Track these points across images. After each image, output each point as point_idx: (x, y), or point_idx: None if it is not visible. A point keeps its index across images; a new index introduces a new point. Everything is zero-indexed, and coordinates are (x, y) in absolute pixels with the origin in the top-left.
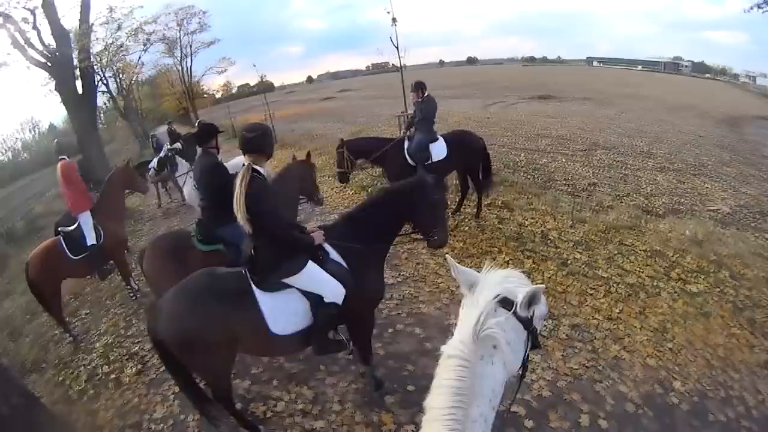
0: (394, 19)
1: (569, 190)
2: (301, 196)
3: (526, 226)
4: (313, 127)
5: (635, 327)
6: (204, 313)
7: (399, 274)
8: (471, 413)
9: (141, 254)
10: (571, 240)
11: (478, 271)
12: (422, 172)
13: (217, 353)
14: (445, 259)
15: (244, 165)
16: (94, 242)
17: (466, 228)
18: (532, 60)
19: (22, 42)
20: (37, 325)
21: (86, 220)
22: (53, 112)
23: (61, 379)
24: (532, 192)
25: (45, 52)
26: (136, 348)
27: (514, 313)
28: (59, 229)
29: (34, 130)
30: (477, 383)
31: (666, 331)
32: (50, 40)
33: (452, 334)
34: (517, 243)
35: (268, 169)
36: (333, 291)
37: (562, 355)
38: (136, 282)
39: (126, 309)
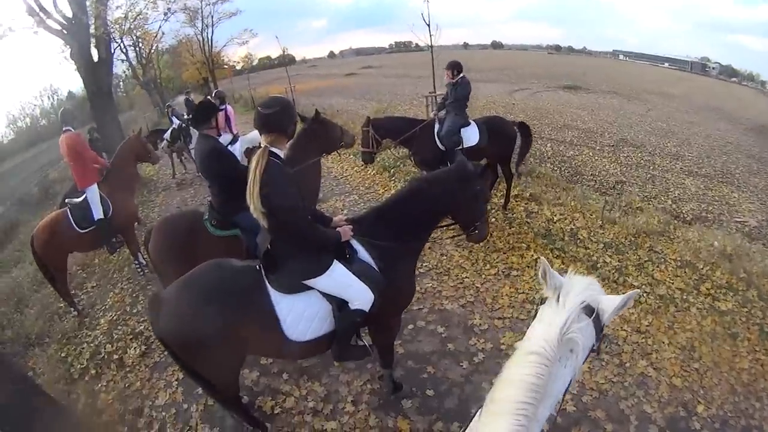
0: None
1: (597, 186)
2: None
3: (555, 222)
4: (335, 102)
5: (663, 343)
6: (210, 314)
7: (422, 265)
8: (538, 412)
9: (147, 235)
10: (601, 241)
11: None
12: (462, 158)
13: (223, 358)
14: (479, 254)
15: (259, 146)
16: (101, 216)
17: (493, 220)
18: (557, 49)
19: (37, 9)
20: (44, 296)
21: (93, 193)
22: (73, 80)
23: (63, 355)
24: (560, 186)
25: (61, 19)
26: (141, 327)
27: (594, 320)
28: (66, 200)
29: (53, 98)
30: (550, 383)
31: (693, 349)
32: (66, 8)
33: (475, 334)
34: (546, 240)
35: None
36: (360, 297)
37: (589, 367)
38: (145, 257)
39: (133, 284)
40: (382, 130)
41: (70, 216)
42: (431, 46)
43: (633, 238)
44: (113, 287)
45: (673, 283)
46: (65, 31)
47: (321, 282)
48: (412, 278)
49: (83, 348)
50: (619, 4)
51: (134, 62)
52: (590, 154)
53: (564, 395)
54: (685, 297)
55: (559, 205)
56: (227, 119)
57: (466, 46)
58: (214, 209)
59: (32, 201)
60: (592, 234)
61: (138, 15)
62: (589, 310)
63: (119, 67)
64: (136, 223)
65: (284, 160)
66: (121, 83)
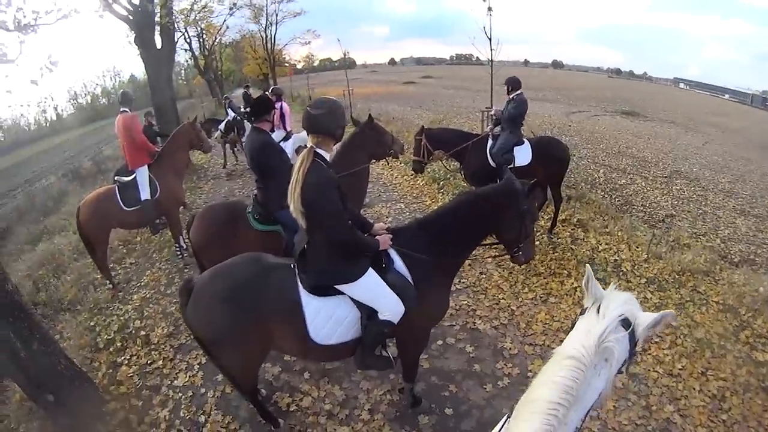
0: (489, 8)
1: (646, 218)
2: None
3: (600, 251)
4: (391, 109)
5: (694, 389)
6: (239, 307)
7: (459, 281)
8: (569, 415)
9: (190, 221)
10: (644, 276)
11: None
12: (511, 176)
13: (243, 351)
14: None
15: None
16: (148, 197)
17: (537, 243)
18: (618, 72)
19: None
20: (82, 266)
21: (142, 175)
22: (136, 64)
23: (92, 324)
24: (609, 214)
25: (127, 5)
26: (172, 308)
27: (630, 334)
28: (115, 178)
29: (115, 79)
30: (583, 389)
31: (724, 399)
32: None
33: (504, 358)
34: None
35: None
36: (390, 308)
37: (614, 406)
38: (186, 241)
39: (171, 266)
40: (434, 140)
41: (117, 193)
42: (491, 61)
43: (677, 276)
44: (151, 266)
45: (712, 327)
46: (131, 17)
47: (353, 288)
48: (446, 294)
49: (112, 320)
50: (685, 31)
51: (197, 53)
52: (642, 183)
53: (593, 406)
54: (722, 343)
55: (606, 234)
56: (282, 116)
57: (526, 63)
58: (258, 203)
59: (84, 174)
60: (635, 267)
61: (203, 7)
62: (627, 324)
63: (182, 56)
64: (181, 208)
65: (329, 163)
66: (182, 71)
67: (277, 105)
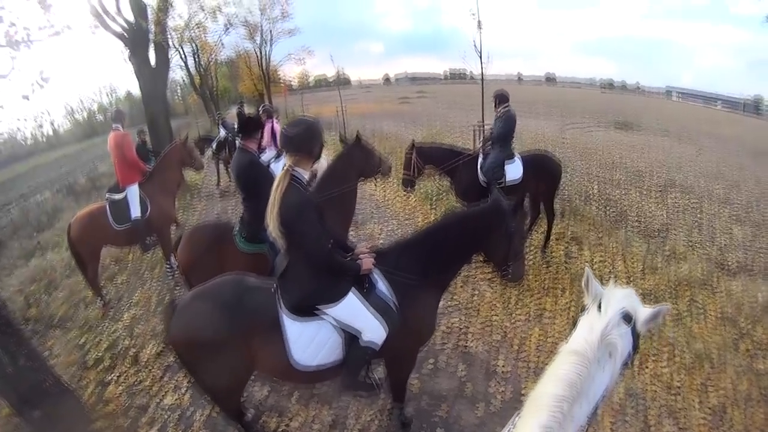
0: (479, 23)
1: (642, 229)
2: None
3: (594, 266)
4: (385, 127)
5: (694, 403)
6: (220, 329)
7: (451, 299)
8: (573, 410)
9: (177, 240)
10: (640, 289)
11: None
12: (498, 195)
13: (228, 374)
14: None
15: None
16: (138, 215)
17: (531, 260)
18: (610, 86)
19: (100, 10)
20: (74, 283)
21: (133, 193)
22: (133, 81)
23: (82, 341)
24: (604, 228)
25: (122, 22)
26: (162, 327)
27: (633, 328)
28: (107, 195)
29: (111, 95)
30: (587, 383)
31: (725, 412)
32: (128, 12)
33: (496, 379)
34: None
35: (323, 161)
36: (373, 331)
37: (611, 422)
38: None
39: (162, 285)
40: (425, 156)
41: (108, 211)
42: (482, 76)
43: (674, 288)
44: (142, 284)
45: (710, 339)
46: (126, 34)
47: (333, 310)
48: (433, 316)
49: (102, 338)
50: (676, 41)
51: (192, 70)
52: (637, 195)
53: (599, 401)
54: (721, 354)
55: (601, 248)
56: (273, 135)
57: (520, 79)
58: (244, 223)
59: (79, 190)
60: (631, 281)
61: (197, 25)
62: (628, 318)
63: (177, 73)
64: (173, 226)
65: (309, 183)
66: (178, 89)
67: (269, 124)
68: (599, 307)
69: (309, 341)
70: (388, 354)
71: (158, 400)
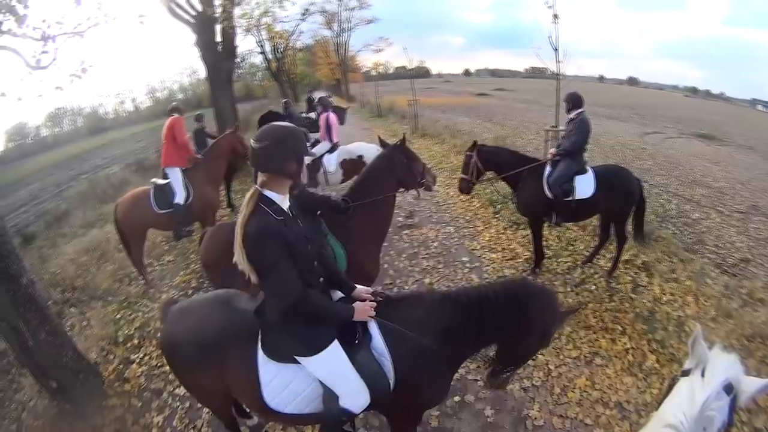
0: (555, 16)
1: (719, 260)
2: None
3: (662, 304)
4: (460, 121)
5: None
6: (193, 352)
7: None
8: None
9: (201, 236)
10: (710, 340)
11: None
12: (549, 293)
13: (205, 395)
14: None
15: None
16: (181, 201)
17: (593, 287)
18: (694, 91)
19: None
20: (123, 258)
21: (176, 178)
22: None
23: (118, 317)
24: (679, 256)
25: (190, 10)
26: None
27: (732, 400)
28: (152, 180)
29: (192, 76)
30: None
31: None
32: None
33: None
34: (647, 326)
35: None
36: (351, 396)
37: None
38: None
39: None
40: (487, 160)
41: (151, 195)
42: (557, 73)
43: (746, 341)
44: (186, 267)
45: None
46: (193, 21)
47: (309, 363)
48: (443, 383)
49: (137, 316)
50: (763, 46)
51: (270, 56)
52: (717, 219)
53: None
54: None
55: (673, 281)
56: (328, 127)
57: (601, 78)
58: None
59: (147, 165)
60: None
61: (264, 13)
62: (729, 389)
63: (257, 58)
64: (218, 213)
65: (279, 208)
66: (258, 73)
67: (323, 115)
68: (703, 373)
69: (282, 387)
70: (387, 409)
71: (173, 388)
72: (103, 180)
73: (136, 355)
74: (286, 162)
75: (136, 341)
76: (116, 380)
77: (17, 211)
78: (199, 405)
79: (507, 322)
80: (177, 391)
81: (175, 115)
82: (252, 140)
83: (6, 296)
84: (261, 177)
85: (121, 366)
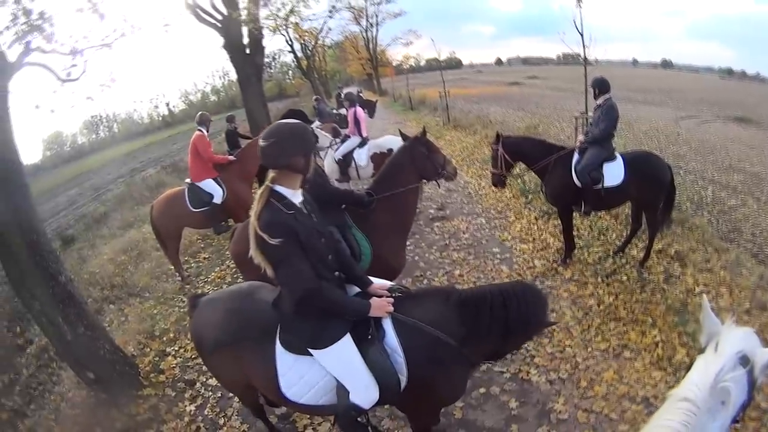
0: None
1: (756, 250)
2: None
3: (695, 296)
4: (492, 111)
5: None
6: (216, 340)
7: None
8: None
9: (232, 232)
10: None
11: None
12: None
13: (230, 382)
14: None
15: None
16: (219, 201)
17: (624, 278)
18: (730, 73)
19: (192, 4)
20: (160, 256)
21: (208, 185)
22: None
23: (155, 312)
24: (713, 244)
25: (215, 14)
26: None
27: (749, 372)
28: (186, 180)
29: (224, 78)
30: None
31: None
32: (221, 4)
33: (549, 423)
34: (678, 319)
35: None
36: (360, 392)
37: None
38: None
39: None
40: (512, 152)
41: (186, 194)
42: (584, 58)
43: None
44: (222, 263)
45: None
46: (219, 24)
47: (320, 356)
48: (455, 384)
49: (173, 311)
50: None
51: (299, 54)
52: (754, 206)
53: None
54: None
55: (707, 272)
56: (357, 122)
57: (635, 62)
58: None
59: (183, 167)
60: (735, 320)
61: (290, 13)
62: (745, 361)
63: (287, 57)
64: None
65: (291, 202)
66: (290, 71)
67: (351, 111)
68: (716, 347)
69: (298, 378)
70: (404, 404)
71: (205, 379)
72: (139, 182)
73: (171, 348)
74: (293, 157)
75: (171, 335)
76: (152, 372)
77: (57, 216)
78: (230, 394)
79: (521, 323)
80: (209, 381)
81: (199, 131)
82: (260, 139)
83: (46, 293)
84: (271, 173)
85: (156, 358)
